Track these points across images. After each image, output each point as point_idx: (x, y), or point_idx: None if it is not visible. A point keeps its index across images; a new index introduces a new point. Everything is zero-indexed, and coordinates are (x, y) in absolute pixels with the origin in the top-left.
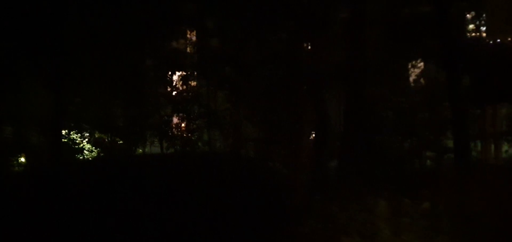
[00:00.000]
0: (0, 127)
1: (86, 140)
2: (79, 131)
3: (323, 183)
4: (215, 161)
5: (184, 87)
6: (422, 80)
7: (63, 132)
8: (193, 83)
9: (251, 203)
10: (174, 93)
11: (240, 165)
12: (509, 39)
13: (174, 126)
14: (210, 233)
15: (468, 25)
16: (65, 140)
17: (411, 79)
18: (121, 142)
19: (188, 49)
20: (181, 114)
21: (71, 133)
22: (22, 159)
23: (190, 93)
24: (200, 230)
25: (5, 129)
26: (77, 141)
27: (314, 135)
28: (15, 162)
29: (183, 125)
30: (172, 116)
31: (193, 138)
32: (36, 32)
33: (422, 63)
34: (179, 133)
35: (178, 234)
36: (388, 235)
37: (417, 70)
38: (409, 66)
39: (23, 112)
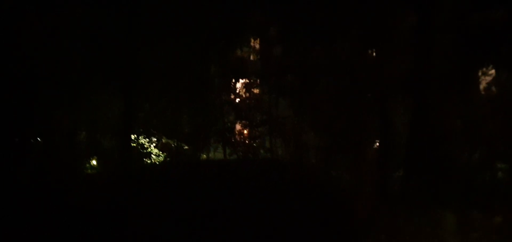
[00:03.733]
0: (75, 132)
1: (154, 144)
2: (147, 136)
3: (387, 194)
4: (277, 168)
5: (247, 94)
6: (493, 88)
7: (132, 137)
8: (256, 90)
9: (314, 212)
10: (237, 100)
11: (302, 173)
12: None
13: (237, 132)
14: None
15: None
16: (134, 144)
17: (481, 87)
18: (186, 147)
19: (251, 57)
20: (243, 121)
21: (140, 137)
22: (94, 162)
23: (252, 101)
24: (262, 238)
25: (80, 134)
26: (145, 146)
27: (378, 144)
28: (87, 165)
29: (245, 131)
30: (235, 123)
31: (255, 145)
32: (109, 48)
33: (493, 71)
34: (242, 140)
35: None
36: None
37: (488, 78)
38: (480, 74)
39: (96, 119)
